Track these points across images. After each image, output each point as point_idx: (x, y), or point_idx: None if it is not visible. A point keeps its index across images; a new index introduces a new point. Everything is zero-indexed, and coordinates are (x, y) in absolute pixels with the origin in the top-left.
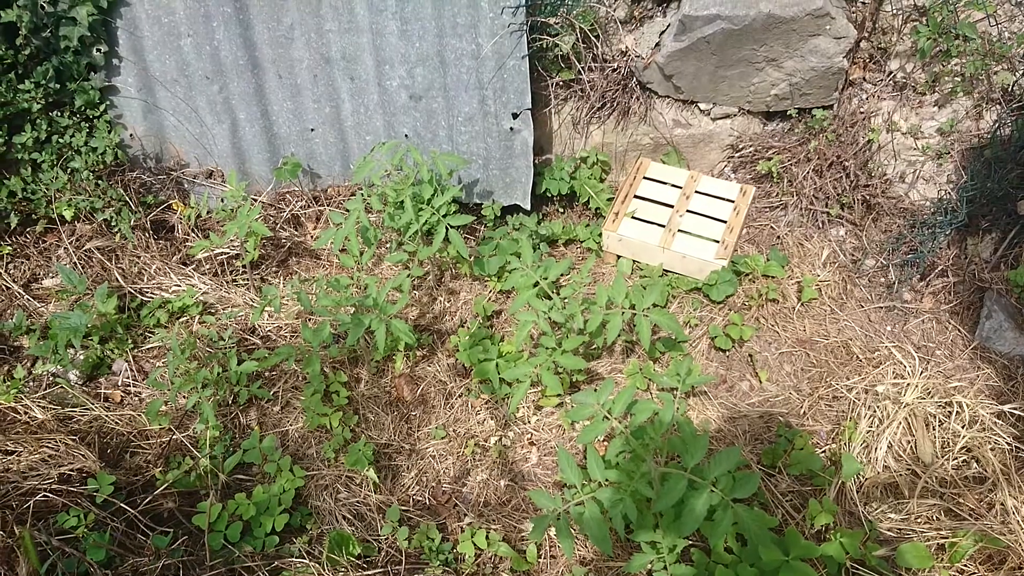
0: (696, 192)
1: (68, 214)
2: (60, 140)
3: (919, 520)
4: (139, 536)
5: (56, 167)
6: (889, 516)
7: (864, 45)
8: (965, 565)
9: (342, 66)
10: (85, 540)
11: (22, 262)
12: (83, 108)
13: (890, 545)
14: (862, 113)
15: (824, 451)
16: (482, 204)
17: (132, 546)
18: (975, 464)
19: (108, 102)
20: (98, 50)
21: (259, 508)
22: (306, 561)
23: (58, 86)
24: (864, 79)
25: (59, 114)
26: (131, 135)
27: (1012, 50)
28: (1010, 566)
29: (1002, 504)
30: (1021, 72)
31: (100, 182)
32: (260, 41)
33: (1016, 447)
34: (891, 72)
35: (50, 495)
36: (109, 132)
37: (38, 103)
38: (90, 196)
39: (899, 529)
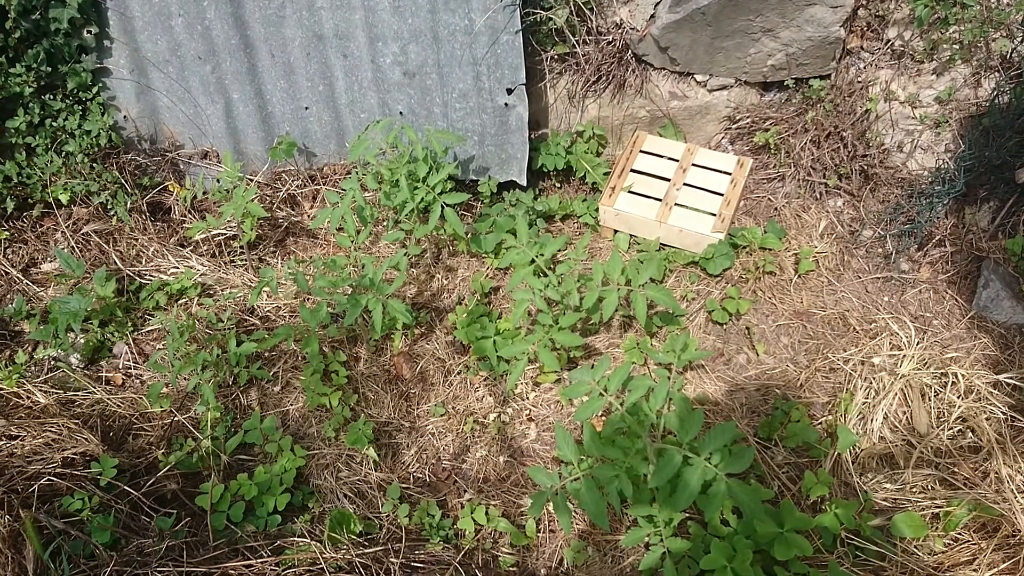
0: (693, 165)
1: (64, 198)
2: (54, 124)
3: (914, 490)
4: (143, 517)
5: (50, 151)
6: (884, 486)
7: (861, 13)
8: (959, 533)
9: (335, 44)
10: (90, 522)
11: (20, 247)
12: (76, 91)
13: (885, 515)
14: (860, 82)
15: (820, 423)
16: (478, 181)
17: (136, 527)
18: (970, 434)
19: (100, 84)
20: (89, 31)
21: (261, 488)
22: (308, 539)
23: (50, 69)
24: (862, 48)
25: (52, 97)
26: (125, 117)
27: (1010, 17)
28: (1003, 534)
29: (996, 473)
30: (1020, 39)
31: (95, 165)
32: (251, 19)
33: (1011, 416)
34: (889, 40)
35: (54, 479)
36: (102, 114)
37: (30, 87)
38: (85, 179)
39: (894, 499)
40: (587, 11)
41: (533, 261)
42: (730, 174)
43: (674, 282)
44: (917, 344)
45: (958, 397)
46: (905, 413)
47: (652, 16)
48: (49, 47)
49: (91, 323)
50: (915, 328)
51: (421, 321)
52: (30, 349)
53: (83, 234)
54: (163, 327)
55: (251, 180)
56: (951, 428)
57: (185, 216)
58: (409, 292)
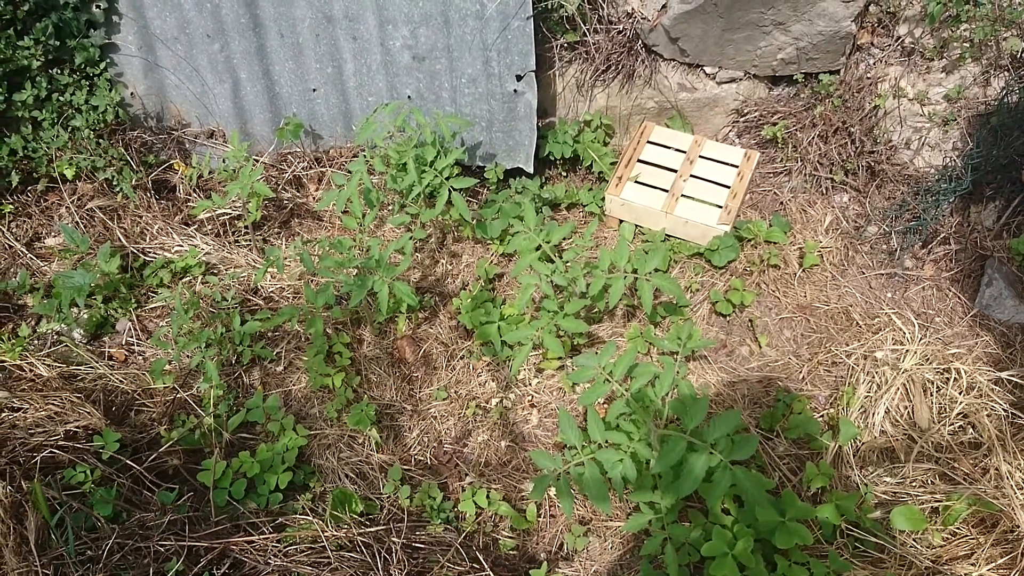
0: (700, 157)
1: (69, 173)
2: (60, 98)
3: (914, 484)
4: (145, 492)
5: (57, 125)
6: (885, 480)
7: (873, 9)
8: (958, 528)
9: (344, 25)
10: (92, 495)
11: (24, 221)
12: (83, 66)
13: (885, 508)
14: (869, 78)
15: (822, 416)
16: (485, 167)
17: (138, 501)
18: (971, 430)
19: (108, 60)
20: (97, 6)
21: (263, 466)
22: (310, 518)
23: (58, 43)
24: (872, 44)
25: (59, 72)
26: (132, 94)
27: (1022, 16)
28: (1002, 529)
29: (996, 469)
30: None
31: (101, 141)
32: None
33: (1012, 413)
34: (899, 37)
35: (56, 451)
36: (110, 90)
37: (38, 60)
38: (91, 155)
39: (894, 492)
40: None
41: (539, 247)
42: (737, 167)
43: (679, 273)
44: (920, 340)
45: (960, 393)
46: (907, 408)
47: (664, 6)
48: (57, 21)
49: (95, 299)
50: (918, 324)
51: (425, 305)
52: (33, 323)
53: (88, 210)
54: (167, 304)
55: (257, 161)
56: (952, 424)
57: (190, 195)
58: (413, 276)
